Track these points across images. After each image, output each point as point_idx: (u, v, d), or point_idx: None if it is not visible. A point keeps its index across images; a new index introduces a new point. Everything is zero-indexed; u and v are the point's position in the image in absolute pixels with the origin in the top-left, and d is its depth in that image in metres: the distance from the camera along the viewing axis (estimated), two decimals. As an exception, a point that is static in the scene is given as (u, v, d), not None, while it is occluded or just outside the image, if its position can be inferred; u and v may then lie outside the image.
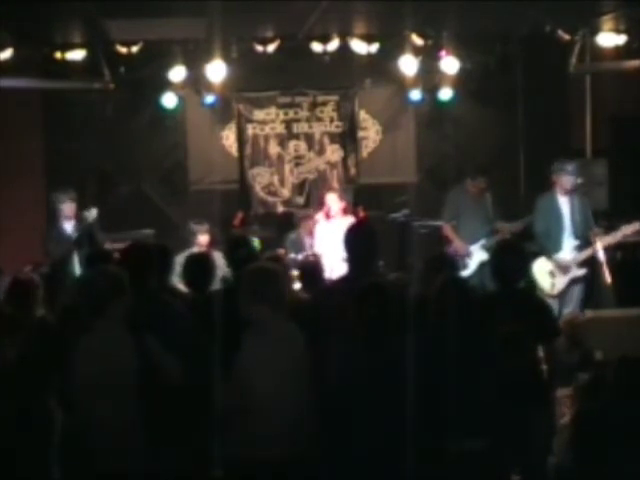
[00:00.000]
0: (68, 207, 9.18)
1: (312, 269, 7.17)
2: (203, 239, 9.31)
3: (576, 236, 8.63)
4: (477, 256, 9.32)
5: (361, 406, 4.56)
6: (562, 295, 8.56)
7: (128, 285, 4.85)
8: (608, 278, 8.54)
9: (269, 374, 4.60)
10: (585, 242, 8.61)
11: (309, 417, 4.70)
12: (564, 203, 8.70)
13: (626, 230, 8.54)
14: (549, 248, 8.59)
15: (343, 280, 5.70)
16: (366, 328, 4.67)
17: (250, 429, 4.57)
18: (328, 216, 9.88)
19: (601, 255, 8.54)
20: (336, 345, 4.82)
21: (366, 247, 5.54)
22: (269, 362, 4.62)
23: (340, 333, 4.85)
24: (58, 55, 10.35)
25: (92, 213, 9.04)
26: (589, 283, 8.80)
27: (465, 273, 8.93)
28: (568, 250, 8.63)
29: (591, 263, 8.69)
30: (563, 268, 8.53)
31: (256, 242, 9.22)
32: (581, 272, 8.60)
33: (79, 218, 9.10)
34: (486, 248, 9.21)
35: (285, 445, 4.64)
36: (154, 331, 4.94)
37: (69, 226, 9.16)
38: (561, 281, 8.55)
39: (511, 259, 5.71)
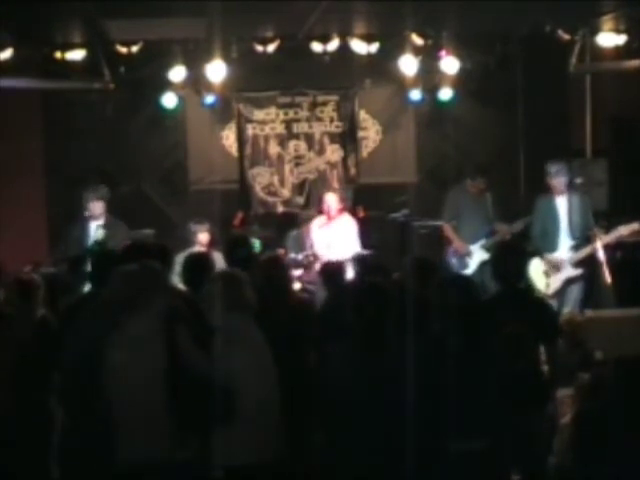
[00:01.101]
0: (94, 205, 9.16)
1: (333, 270, 7.14)
2: (203, 238, 9.30)
3: (573, 236, 8.64)
4: (477, 256, 9.32)
5: (360, 406, 4.56)
6: (560, 295, 8.56)
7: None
8: (608, 278, 8.54)
9: (240, 378, 4.63)
10: (583, 242, 8.62)
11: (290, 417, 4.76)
12: (562, 203, 8.72)
13: (623, 231, 8.53)
14: (545, 248, 8.61)
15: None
16: (365, 328, 4.67)
17: (242, 431, 4.60)
18: (329, 216, 9.88)
19: (601, 255, 8.55)
20: (336, 345, 4.82)
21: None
22: (239, 366, 4.65)
23: (341, 332, 4.86)
24: (58, 55, 10.34)
25: (99, 234, 9.04)
26: (589, 283, 8.80)
27: (466, 273, 8.93)
28: (564, 250, 8.64)
29: (590, 263, 8.69)
30: (557, 268, 8.55)
31: (257, 243, 9.22)
32: (576, 272, 8.60)
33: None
34: (486, 248, 9.22)
35: (267, 447, 4.68)
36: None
37: (94, 226, 9.13)
38: (556, 281, 8.56)
39: (512, 259, 5.72)
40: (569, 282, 8.61)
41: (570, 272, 8.58)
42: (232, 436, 4.64)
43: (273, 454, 4.72)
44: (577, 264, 8.60)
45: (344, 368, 4.65)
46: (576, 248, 8.62)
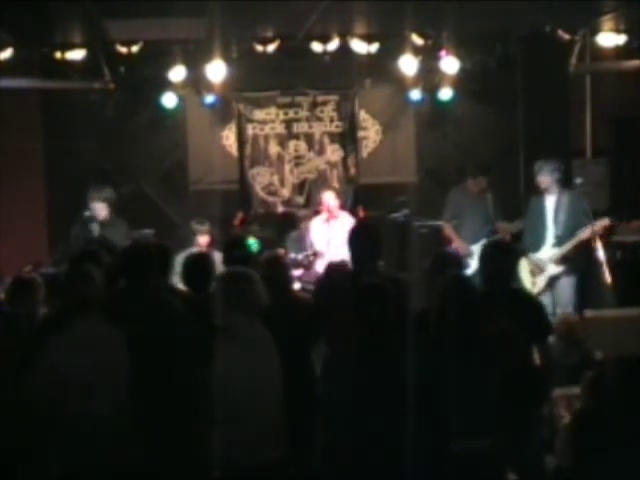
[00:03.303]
0: (98, 207, 9.08)
1: (337, 270, 7.12)
2: (203, 240, 9.30)
3: (557, 234, 8.65)
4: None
5: (361, 405, 4.55)
6: (551, 294, 8.56)
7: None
8: (608, 278, 8.54)
9: (242, 378, 4.62)
10: (566, 240, 8.61)
11: (295, 418, 4.74)
12: (550, 202, 8.75)
13: (595, 227, 8.51)
14: (533, 247, 8.64)
15: (345, 278, 5.71)
16: (366, 327, 4.66)
17: (234, 432, 4.60)
18: (329, 214, 9.89)
19: (601, 255, 8.56)
20: (337, 344, 4.82)
21: (369, 245, 5.59)
22: (241, 366, 4.65)
23: (341, 332, 4.85)
24: (58, 55, 10.33)
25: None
26: (581, 281, 8.78)
27: (467, 273, 8.93)
28: (548, 249, 8.65)
29: (588, 262, 8.70)
30: (539, 267, 8.56)
31: (255, 242, 9.21)
32: (558, 269, 8.60)
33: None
34: (486, 248, 9.21)
35: (269, 447, 4.66)
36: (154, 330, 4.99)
37: (95, 226, 9.05)
38: (540, 280, 8.57)
39: (500, 259, 5.71)
40: (554, 280, 8.61)
41: (553, 270, 8.59)
42: (233, 436, 4.63)
43: (274, 455, 4.71)
44: (561, 262, 8.58)
45: (345, 368, 4.65)
46: (559, 246, 8.62)
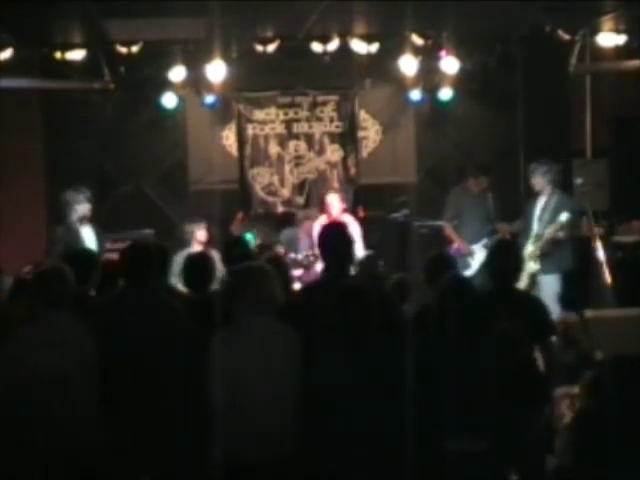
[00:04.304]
0: (84, 207, 8.85)
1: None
2: (202, 235, 9.25)
3: (536, 234, 8.68)
4: (479, 256, 9.31)
5: (344, 406, 4.53)
6: (536, 292, 8.58)
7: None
8: (608, 278, 8.54)
9: (246, 377, 4.61)
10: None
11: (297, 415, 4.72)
12: (539, 203, 8.78)
13: (550, 229, 8.52)
14: (522, 247, 8.67)
15: (322, 280, 5.69)
16: (348, 329, 4.65)
17: (232, 428, 4.59)
18: (331, 217, 9.87)
19: (601, 255, 8.56)
20: (320, 346, 4.80)
21: (341, 246, 5.54)
22: (242, 360, 4.64)
23: (324, 333, 4.82)
24: (58, 55, 10.35)
25: None
26: (568, 280, 8.77)
27: (468, 273, 8.93)
28: (529, 247, 8.68)
29: (588, 262, 8.70)
30: None
31: (251, 236, 9.21)
32: (536, 267, 8.61)
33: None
34: (488, 248, 9.20)
35: (270, 444, 4.64)
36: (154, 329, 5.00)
37: (83, 228, 8.87)
38: (522, 278, 8.59)
39: (507, 259, 5.73)
40: (535, 277, 8.61)
41: (531, 268, 8.60)
42: (233, 436, 4.62)
43: (275, 452, 4.69)
44: (538, 259, 8.58)
45: (329, 369, 4.63)
46: (535, 245, 8.65)
